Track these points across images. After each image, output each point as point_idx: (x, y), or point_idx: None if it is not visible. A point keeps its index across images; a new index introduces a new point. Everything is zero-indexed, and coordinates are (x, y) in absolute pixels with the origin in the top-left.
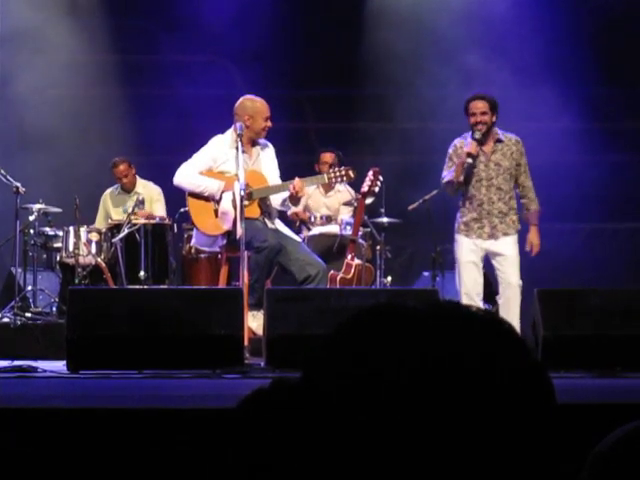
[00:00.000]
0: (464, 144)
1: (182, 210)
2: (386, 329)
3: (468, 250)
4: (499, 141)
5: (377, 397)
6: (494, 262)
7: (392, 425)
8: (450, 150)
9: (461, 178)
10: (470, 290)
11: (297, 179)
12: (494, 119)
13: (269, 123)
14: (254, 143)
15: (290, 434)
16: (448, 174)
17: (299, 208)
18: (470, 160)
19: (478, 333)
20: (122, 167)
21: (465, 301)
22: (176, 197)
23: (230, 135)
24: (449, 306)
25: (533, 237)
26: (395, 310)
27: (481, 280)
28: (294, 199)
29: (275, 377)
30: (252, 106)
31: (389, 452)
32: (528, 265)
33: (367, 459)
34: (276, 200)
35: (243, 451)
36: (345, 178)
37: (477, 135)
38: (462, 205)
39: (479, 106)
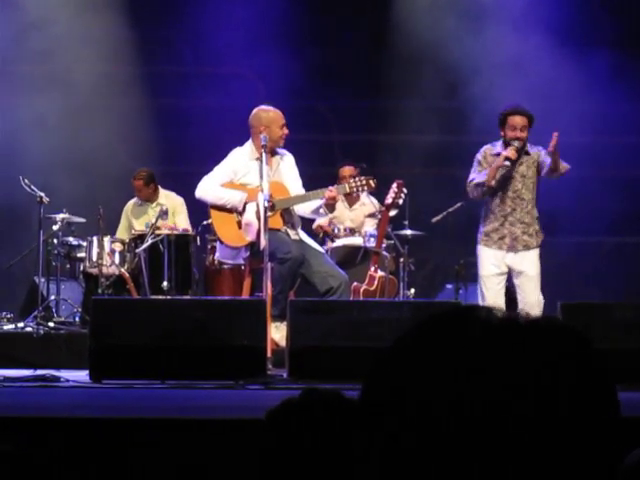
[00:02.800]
0: (492, 151)
1: (205, 223)
2: (449, 343)
3: (489, 264)
4: (526, 154)
5: (436, 414)
6: (515, 280)
7: (455, 440)
8: (479, 156)
9: (493, 182)
10: (491, 304)
11: (331, 187)
12: (528, 135)
13: (286, 130)
14: (273, 153)
15: (333, 447)
16: (479, 176)
17: (324, 222)
18: (508, 163)
19: (542, 344)
20: (137, 183)
21: None
22: (199, 209)
23: (249, 147)
24: (510, 317)
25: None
26: (459, 322)
27: (502, 291)
28: (330, 206)
29: (305, 387)
30: (266, 116)
31: (451, 468)
32: (549, 279)
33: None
34: (307, 208)
35: (275, 461)
36: (366, 187)
37: (517, 144)
38: (484, 215)
39: (519, 121)
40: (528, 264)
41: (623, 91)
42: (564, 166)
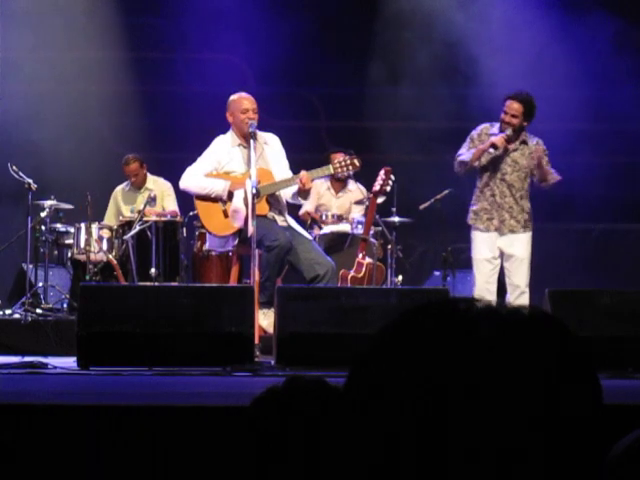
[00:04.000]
0: (489, 130)
1: (191, 213)
2: (436, 332)
3: (482, 247)
4: (524, 143)
5: (423, 401)
6: (504, 263)
7: (440, 428)
8: (474, 133)
9: (476, 163)
10: (482, 288)
11: (303, 172)
12: (525, 124)
13: (251, 115)
14: (256, 138)
15: (317, 434)
16: (466, 153)
17: (310, 208)
18: (492, 150)
19: (531, 333)
20: (133, 166)
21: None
22: (188, 197)
23: (230, 134)
24: (491, 307)
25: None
26: (445, 311)
27: (495, 275)
28: (303, 192)
29: (289, 375)
30: (231, 102)
31: (435, 455)
32: (538, 265)
33: (409, 462)
34: (287, 193)
35: (260, 448)
36: (351, 167)
37: (509, 132)
38: (475, 194)
39: (513, 107)
40: (517, 247)
41: (625, 69)
42: (554, 177)
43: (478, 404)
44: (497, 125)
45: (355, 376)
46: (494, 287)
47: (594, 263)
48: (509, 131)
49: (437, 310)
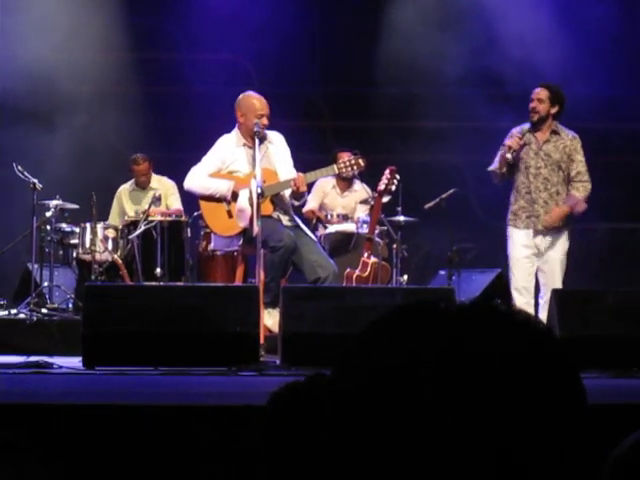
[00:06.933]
0: (525, 127)
1: (196, 213)
2: (420, 328)
3: (519, 245)
4: (555, 133)
5: (407, 396)
6: (538, 262)
7: (422, 424)
8: (505, 139)
9: (504, 169)
10: (520, 286)
11: (298, 174)
12: (553, 111)
13: (265, 121)
14: (262, 139)
15: (319, 430)
16: (492, 164)
17: (315, 207)
18: (509, 156)
19: (511, 333)
20: (144, 166)
21: (515, 296)
22: (191, 197)
23: (235, 134)
24: (481, 305)
25: (554, 213)
26: (430, 308)
27: (532, 274)
28: (296, 194)
29: (311, 373)
30: (246, 103)
31: (418, 450)
32: None
33: (393, 457)
34: (288, 193)
35: (276, 445)
36: (355, 167)
37: (524, 128)
38: (512, 194)
39: (539, 93)
40: (552, 247)
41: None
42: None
43: (457, 401)
44: (526, 125)
45: (340, 371)
46: (531, 284)
47: (601, 262)
48: (519, 129)
49: (417, 309)
